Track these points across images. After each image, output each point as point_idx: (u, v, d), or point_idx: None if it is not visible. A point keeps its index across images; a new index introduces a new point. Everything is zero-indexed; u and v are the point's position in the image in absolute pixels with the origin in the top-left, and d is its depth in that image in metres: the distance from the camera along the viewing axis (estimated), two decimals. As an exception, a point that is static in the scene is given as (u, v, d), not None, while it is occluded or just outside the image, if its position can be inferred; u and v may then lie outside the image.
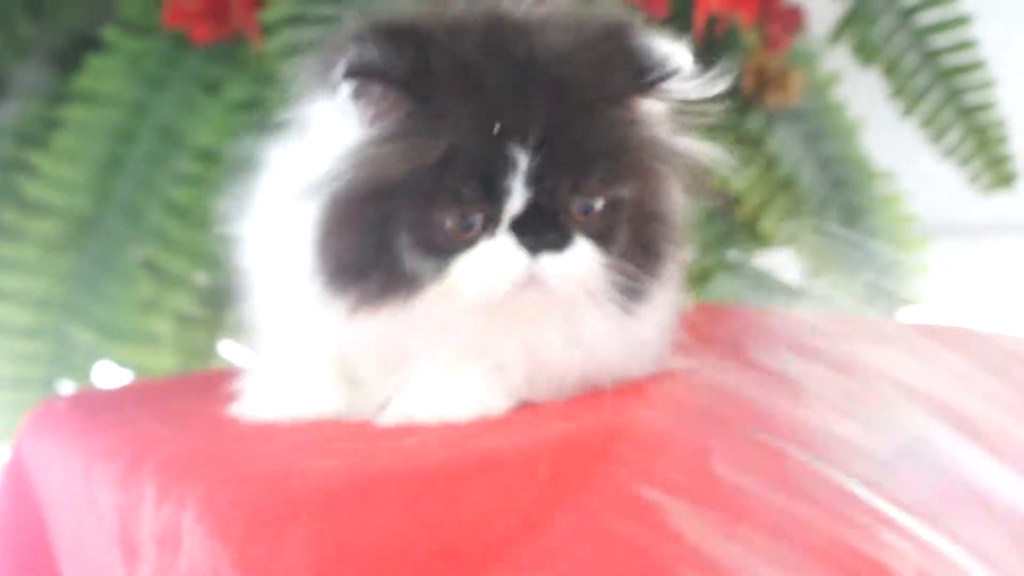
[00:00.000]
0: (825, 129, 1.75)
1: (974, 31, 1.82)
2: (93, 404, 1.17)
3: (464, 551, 0.81)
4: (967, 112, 1.85)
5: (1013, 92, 1.84)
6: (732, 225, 1.70)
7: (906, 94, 1.85)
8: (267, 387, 1.02)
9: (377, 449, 0.90)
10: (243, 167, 1.06)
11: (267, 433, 0.99)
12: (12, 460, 1.16)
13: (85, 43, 1.61)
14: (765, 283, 1.71)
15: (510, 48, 0.90)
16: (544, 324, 0.94)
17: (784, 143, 1.68)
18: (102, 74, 1.52)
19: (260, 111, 1.46)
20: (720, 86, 0.93)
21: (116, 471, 0.96)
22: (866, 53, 1.84)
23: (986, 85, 1.83)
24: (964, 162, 1.86)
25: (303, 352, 1.00)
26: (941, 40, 1.83)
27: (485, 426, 0.95)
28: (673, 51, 0.92)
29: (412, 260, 0.90)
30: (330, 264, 0.92)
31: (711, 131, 1.50)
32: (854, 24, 1.83)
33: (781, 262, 1.74)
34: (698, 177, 0.98)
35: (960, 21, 1.81)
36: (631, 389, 1.02)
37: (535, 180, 0.88)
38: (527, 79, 0.89)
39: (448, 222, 0.89)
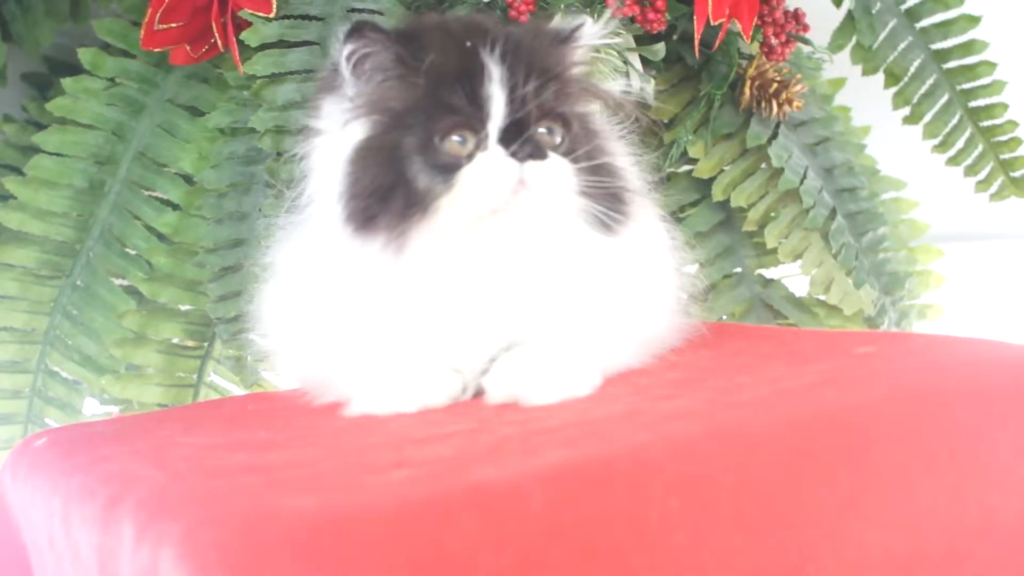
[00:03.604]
0: (830, 137, 1.69)
1: (982, 32, 1.77)
2: (72, 441, 1.13)
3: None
4: (974, 115, 1.79)
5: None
6: (736, 238, 1.66)
7: (910, 100, 1.80)
8: (379, 384, 1.11)
9: (361, 484, 0.86)
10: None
11: (247, 466, 0.96)
12: (-5, 499, 1.13)
13: (61, 67, 1.59)
14: (774, 297, 1.66)
15: (476, 23, 1.16)
16: (538, 234, 1.10)
17: (788, 152, 1.63)
18: (79, 97, 1.48)
19: (243, 137, 1.43)
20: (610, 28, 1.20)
21: (94, 511, 0.93)
22: (867, 59, 1.79)
23: (995, 87, 1.77)
24: (973, 169, 1.80)
25: (407, 346, 1.11)
26: (946, 42, 1.78)
27: (476, 454, 0.91)
28: (579, 19, 1.17)
29: (424, 179, 1.08)
30: (357, 201, 1.09)
31: (717, 139, 1.51)
32: (855, 30, 1.78)
33: (789, 274, 1.69)
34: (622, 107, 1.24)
35: (967, 21, 1.76)
36: (628, 413, 0.99)
37: (508, 88, 1.08)
38: (487, 33, 1.11)
39: (447, 140, 1.08)
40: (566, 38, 1.15)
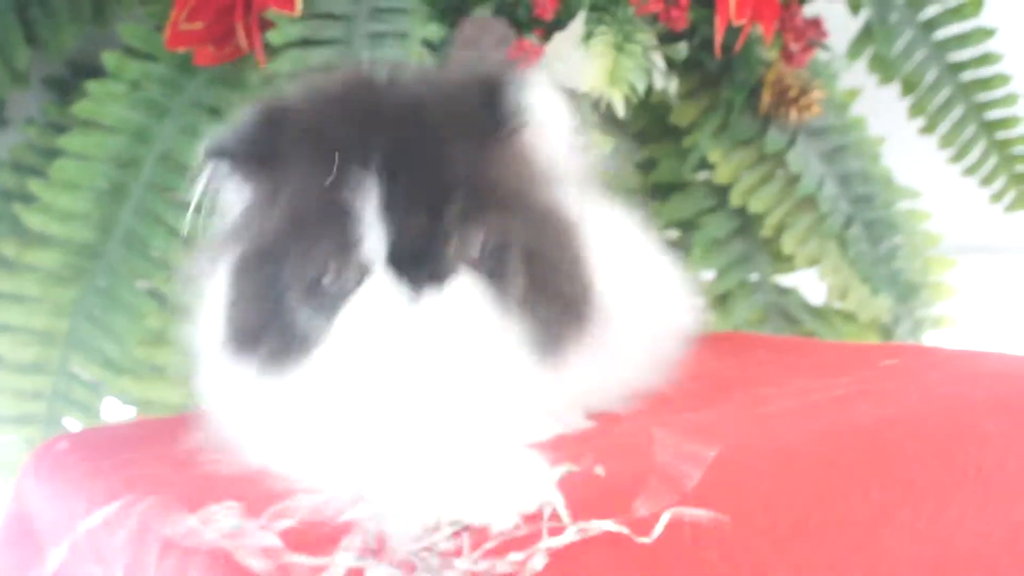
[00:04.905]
0: (847, 145, 1.70)
1: (997, 44, 1.78)
2: (95, 444, 1.14)
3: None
4: (990, 127, 1.80)
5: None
6: (753, 245, 1.66)
7: (926, 110, 1.81)
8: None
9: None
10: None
11: (271, 474, 0.95)
12: (14, 500, 1.14)
13: (83, 70, 1.59)
14: (790, 305, 1.67)
15: (359, 104, 0.92)
16: (449, 374, 0.89)
17: (805, 160, 1.64)
18: (102, 100, 1.48)
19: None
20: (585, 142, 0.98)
21: (120, 514, 0.94)
22: (884, 69, 1.80)
23: (1010, 99, 1.78)
24: (987, 180, 1.81)
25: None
26: (962, 54, 1.79)
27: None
28: (542, 101, 0.92)
29: (301, 318, 0.90)
30: (232, 330, 0.94)
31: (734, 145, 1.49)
32: (872, 39, 1.79)
33: (805, 282, 1.69)
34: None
35: (983, 33, 1.77)
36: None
37: (389, 213, 0.86)
38: (370, 127, 0.89)
39: (324, 274, 0.88)
40: (497, 120, 0.91)
